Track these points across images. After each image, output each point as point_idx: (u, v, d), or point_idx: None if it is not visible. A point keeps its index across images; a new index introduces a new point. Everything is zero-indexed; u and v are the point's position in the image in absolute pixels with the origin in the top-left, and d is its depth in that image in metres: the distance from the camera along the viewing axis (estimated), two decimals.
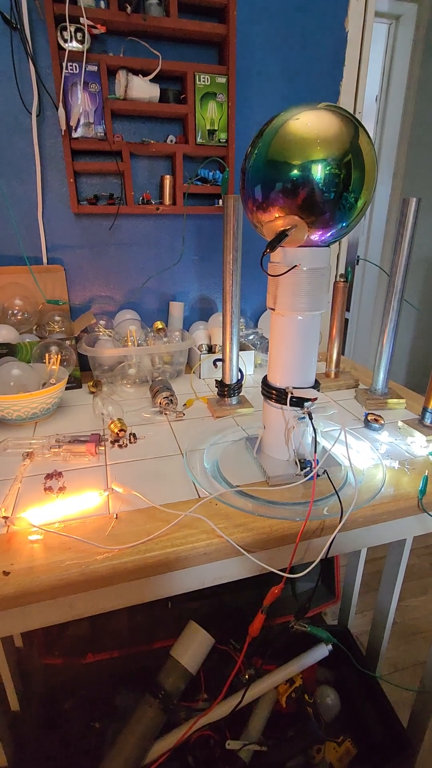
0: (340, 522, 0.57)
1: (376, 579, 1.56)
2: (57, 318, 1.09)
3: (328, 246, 0.60)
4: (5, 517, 0.58)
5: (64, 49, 0.91)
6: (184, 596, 1.21)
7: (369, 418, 0.85)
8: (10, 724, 0.97)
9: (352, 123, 0.53)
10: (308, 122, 0.52)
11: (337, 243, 1.36)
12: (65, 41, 0.91)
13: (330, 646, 1.02)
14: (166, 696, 0.92)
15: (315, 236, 0.57)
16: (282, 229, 0.55)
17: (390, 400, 0.94)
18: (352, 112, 1.21)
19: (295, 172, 0.52)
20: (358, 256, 2.39)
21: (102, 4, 0.92)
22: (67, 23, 0.89)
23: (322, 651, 1.02)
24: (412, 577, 1.63)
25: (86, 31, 0.90)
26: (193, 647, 0.96)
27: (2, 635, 0.57)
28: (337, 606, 1.37)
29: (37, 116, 0.99)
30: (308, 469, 0.65)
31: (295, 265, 0.58)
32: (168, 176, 1.10)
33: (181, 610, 1.20)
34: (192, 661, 0.95)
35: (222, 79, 1.02)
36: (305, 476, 0.65)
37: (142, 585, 0.57)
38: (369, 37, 1.14)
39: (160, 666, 0.95)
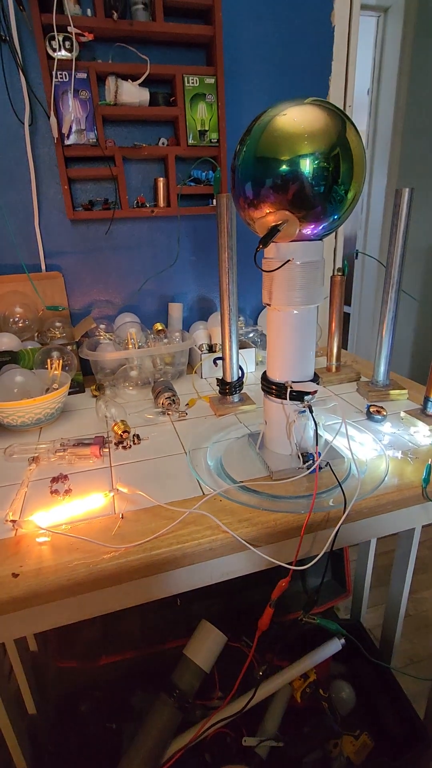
0: (344, 513, 0.57)
1: (387, 573, 1.55)
2: (57, 324, 1.10)
3: (320, 239, 0.60)
4: (13, 521, 0.59)
5: (53, 58, 0.92)
6: (195, 595, 1.21)
7: (371, 409, 0.85)
8: (27, 727, 0.98)
9: (338, 116, 0.53)
10: (295, 117, 0.52)
11: (334, 237, 1.36)
12: (54, 50, 0.92)
13: (343, 640, 1.02)
14: (182, 695, 0.92)
15: (307, 230, 0.57)
16: (273, 224, 0.55)
17: (392, 392, 0.94)
18: (342, 107, 1.21)
19: (284, 167, 0.52)
20: (357, 250, 2.39)
21: (89, 12, 0.93)
22: (55, 32, 0.90)
23: (335, 645, 1.02)
24: (423, 569, 1.63)
25: (74, 40, 0.92)
26: (206, 645, 0.96)
27: (15, 637, 0.58)
28: (349, 600, 1.37)
29: (29, 126, 1.00)
30: (311, 462, 0.65)
31: (288, 260, 0.58)
32: (161, 178, 1.11)
33: (192, 610, 1.20)
34: (205, 660, 0.95)
35: (211, 80, 1.03)
36: (308, 469, 0.65)
37: (150, 583, 0.57)
38: (356, 30, 1.15)
39: (174, 665, 0.96)
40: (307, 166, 0.52)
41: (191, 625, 0.99)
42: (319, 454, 0.65)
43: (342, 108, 1.21)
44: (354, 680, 1.10)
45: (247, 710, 0.89)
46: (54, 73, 0.93)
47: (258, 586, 1.26)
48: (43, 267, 1.12)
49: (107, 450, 0.78)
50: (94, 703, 1.05)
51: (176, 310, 1.24)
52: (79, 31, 0.91)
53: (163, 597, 0.60)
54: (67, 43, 0.92)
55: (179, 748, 0.89)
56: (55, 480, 0.69)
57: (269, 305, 0.64)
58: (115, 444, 0.80)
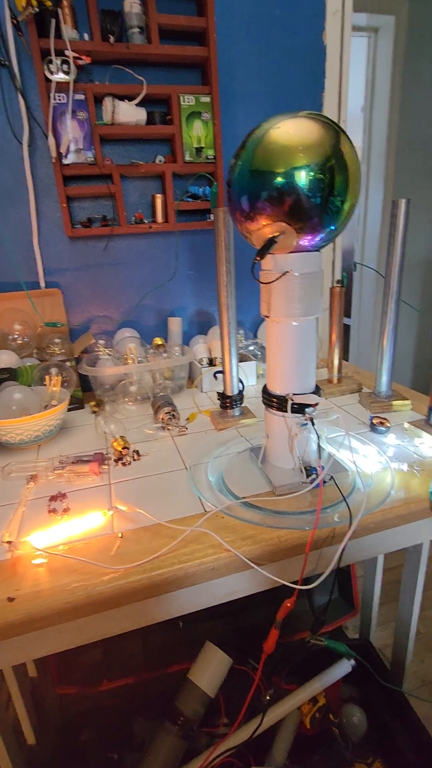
0: (349, 528, 0.55)
1: (395, 588, 1.51)
2: (57, 340, 1.09)
3: (318, 250, 0.60)
4: (9, 542, 0.57)
5: (51, 81, 0.94)
6: (199, 616, 1.18)
7: (374, 421, 0.84)
8: (26, 759, 0.94)
9: (332, 128, 0.53)
10: (289, 130, 0.53)
11: (332, 250, 1.36)
12: (52, 73, 0.93)
13: (352, 661, 0.98)
14: (186, 722, 0.88)
15: (305, 241, 0.57)
16: (270, 236, 0.55)
17: (395, 402, 0.93)
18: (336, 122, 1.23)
19: (280, 179, 0.52)
20: (356, 262, 2.40)
21: (86, 36, 0.95)
22: (53, 56, 0.92)
23: (344, 667, 0.99)
24: None
25: (72, 63, 0.93)
26: (210, 669, 0.93)
27: (12, 664, 0.56)
28: (357, 619, 1.33)
29: (28, 146, 1.02)
30: (314, 476, 0.64)
31: (287, 272, 0.58)
32: (159, 195, 1.12)
33: (197, 631, 1.16)
34: (210, 684, 0.92)
35: (206, 99, 1.05)
36: (311, 484, 0.63)
37: (151, 605, 0.55)
38: (347, 49, 1.17)
39: (178, 690, 0.92)
40: (302, 178, 0.52)
41: (195, 648, 0.96)
42: (323, 467, 0.64)
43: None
44: (365, 704, 1.06)
45: (254, 738, 0.85)
46: (52, 95, 0.95)
47: (264, 606, 1.23)
48: (42, 284, 1.13)
49: (106, 467, 0.77)
50: (95, 731, 1.01)
51: (175, 325, 1.23)
52: (76, 55, 0.93)
53: (165, 620, 0.58)
54: (65, 66, 0.94)
55: None
56: (53, 499, 0.67)
57: (268, 317, 0.63)
58: (115, 460, 0.78)
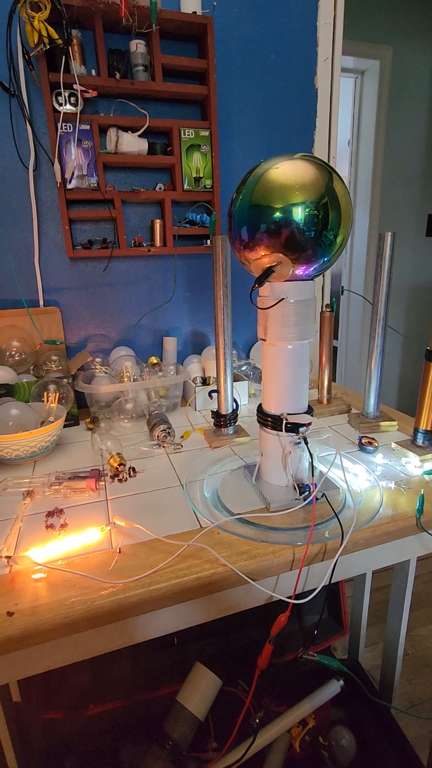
0: (341, 543, 0.58)
1: (383, 609, 1.53)
2: (54, 357, 1.11)
3: (312, 279, 0.64)
4: (8, 557, 0.58)
5: (59, 112, 0.99)
6: (189, 636, 1.17)
7: (363, 441, 0.87)
8: None
9: (326, 169, 0.58)
10: (287, 170, 0.57)
11: (323, 276, 1.42)
12: (60, 105, 0.98)
13: (342, 682, 0.99)
14: (174, 746, 0.87)
15: (299, 271, 0.61)
16: (268, 265, 0.59)
17: (382, 423, 0.96)
18: (326, 158, 1.31)
19: (278, 214, 0.56)
20: (342, 287, 2.48)
21: (93, 72, 1.01)
22: (62, 89, 0.97)
23: (333, 688, 0.99)
24: (420, 604, 1.60)
25: (79, 96, 0.99)
26: (200, 691, 0.92)
27: (4, 682, 0.55)
28: (346, 639, 1.33)
29: (33, 171, 1.06)
30: (307, 493, 0.66)
31: (283, 298, 0.62)
32: (158, 220, 1.16)
33: (186, 652, 1.15)
34: (200, 706, 0.91)
35: (205, 133, 1.11)
36: (304, 500, 0.66)
37: (148, 620, 0.56)
38: (337, 93, 1.25)
39: (167, 713, 0.91)
40: (298, 213, 0.56)
41: (184, 669, 0.96)
42: (315, 485, 0.66)
43: (326, 159, 1.31)
44: (354, 726, 1.06)
45: (244, 762, 0.84)
46: (59, 124, 1.00)
47: (252, 627, 1.23)
48: (42, 302, 1.15)
49: (103, 483, 0.78)
50: (81, 758, 0.98)
51: (171, 344, 1.26)
52: (83, 89, 0.98)
53: (161, 635, 0.58)
54: (72, 99, 0.99)
55: None
56: (50, 514, 0.68)
57: (264, 340, 0.67)
58: (111, 477, 0.80)
